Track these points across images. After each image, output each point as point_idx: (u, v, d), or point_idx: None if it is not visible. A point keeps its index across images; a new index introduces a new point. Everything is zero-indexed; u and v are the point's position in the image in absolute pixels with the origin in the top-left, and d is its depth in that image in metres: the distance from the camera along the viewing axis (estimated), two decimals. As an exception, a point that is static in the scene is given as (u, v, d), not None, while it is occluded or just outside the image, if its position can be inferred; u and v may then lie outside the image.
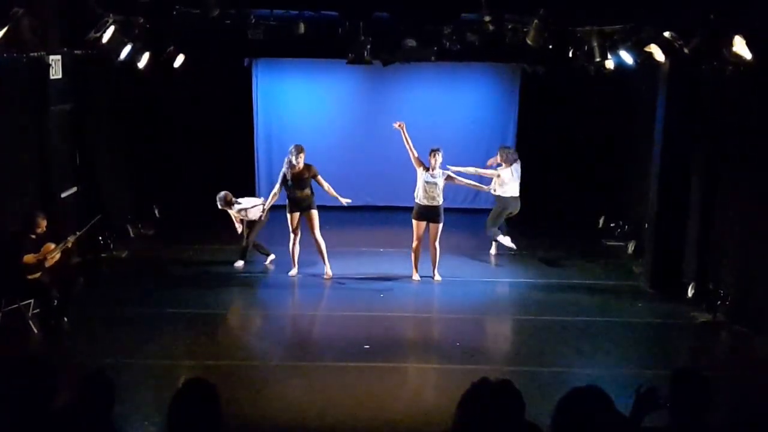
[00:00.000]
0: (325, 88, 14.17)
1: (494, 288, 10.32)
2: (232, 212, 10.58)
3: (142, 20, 9.71)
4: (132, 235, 12.20)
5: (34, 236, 8.09)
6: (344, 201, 10.24)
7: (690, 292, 9.75)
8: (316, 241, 10.19)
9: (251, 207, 10.56)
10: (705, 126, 9.85)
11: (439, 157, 9.97)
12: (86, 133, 11.20)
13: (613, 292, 10.11)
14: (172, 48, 11.29)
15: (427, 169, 10.02)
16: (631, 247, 11.96)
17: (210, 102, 13.58)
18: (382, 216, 13.72)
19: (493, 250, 11.51)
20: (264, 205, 10.52)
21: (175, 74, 12.08)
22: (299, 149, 9.91)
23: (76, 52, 10.20)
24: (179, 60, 11.77)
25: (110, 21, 9.16)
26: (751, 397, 6.88)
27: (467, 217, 13.21)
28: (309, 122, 13.91)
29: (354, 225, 12.66)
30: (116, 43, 9.65)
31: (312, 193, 10.12)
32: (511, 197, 11.07)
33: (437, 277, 10.28)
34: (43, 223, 8.14)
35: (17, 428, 3.52)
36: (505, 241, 11.12)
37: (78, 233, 8.77)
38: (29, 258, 7.98)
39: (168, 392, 3.32)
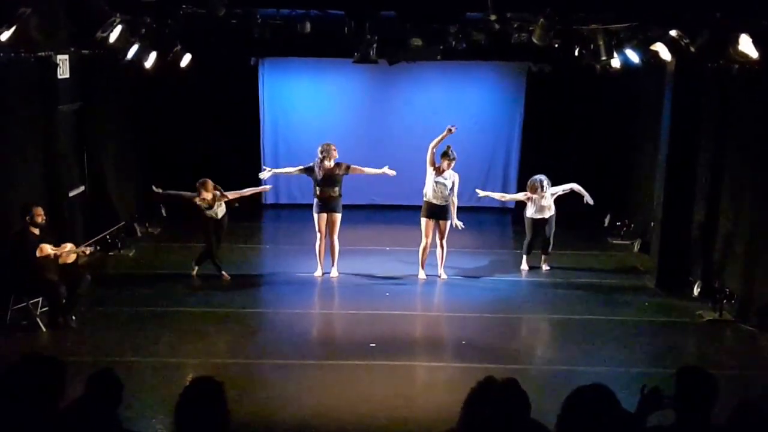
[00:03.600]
0: (332, 88, 14.18)
1: (499, 286, 10.31)
2: (205, 198, 9.94)
3: (148, 20, 9.74)
4: (139, 234, 12.24)
5: (37, 231, 8.09)
6: (390, 172, 10.23)
7: (696, 291, 9.74)
8: (333, 243, 10.22)
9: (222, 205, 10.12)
10: (711, 125, 9.84)
11: (452, 163, 9.96)
12: (93, 132, 11.26)
13: (619, 291, 10.11)
14: (178, 47, 11.31)
15: (438, 171, 10.02)
16: (636, 246, 11.96)
17: (217, 101, 13.62)
18: (389, 215, 13.74)
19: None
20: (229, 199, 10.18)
21: (182, 74, 12.11)
22: (327, 147, 9.95)
23: (83, 51, 10.25)
24: (186, 59, 11.80)
25: (117, 21, 9.17)
26: (758, 395, 6.87)
27: (473, 216, 13.20)
28: (315, 121, 13.93)
29: (360, 223, 12.67)
30: (123, 42, 9.68)
31: (340, 194, 10.14)
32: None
33: (443, 275, 10.29)
34: (40, 211, 8.06)
35: (25, 426, 3.54)
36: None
37: (98, 247, 8.85)
38: (46, 248, 7.98)
39: (175, 390, 3.34)
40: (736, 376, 7.19)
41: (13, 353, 7.14)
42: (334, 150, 10.02)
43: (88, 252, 8.63)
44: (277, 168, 10.01)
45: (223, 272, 10.10)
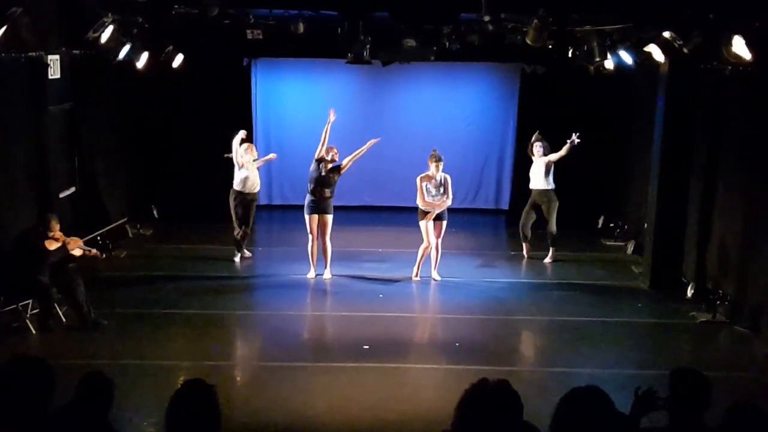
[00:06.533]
0: (325, 88, 14.14)
1: (493, 288, 10.29)
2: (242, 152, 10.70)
3: (140, 20, 9.70)
4: (131, 235, 12.19)
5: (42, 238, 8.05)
6: (373, 141, 10.35)
7: (689, 292, 9.75)
8: (325, 244, 10.22)
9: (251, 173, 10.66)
10: (704, 126, 9.85)
11: (441, 165, 9.95)
12: (84, 133, 11.20)
13: (613, 292, 10.11)
14: (170, 48, 11.28)
15: (428, 179, 9.98)
16: (630, 247, 11.96)
17: (209, 102, 13.57)
18: (382, 216, 13.72)
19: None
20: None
21: (174, 74, 12.07)
22: (330, 149, 10.10)
23: (74, 51, 10.20)
24: (178, 60, 11.75)
25: (109, 20, 9.15)
26: (751, 397, 6.87)
27: (467, 217, 13.21)
28: (308, 122, 13.84)
29: (353, 225, 12.65)
30: (115, 42, 9.65)
31: (332, 194, 10.19)
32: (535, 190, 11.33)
33: (437, 277, 10.27)
34: (57, 227, 8.08)
35: (15, 429, 3.51)
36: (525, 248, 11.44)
37: (103, 255, 9.10)
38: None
39: (167, 393, 3.31)
40: (729, 378, 7.19)
41: (2, 355, 7.12)
42: (336, 154, 10.13)
43: (92, 253, 8.57)
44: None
45: (240, 254, 10.76)
